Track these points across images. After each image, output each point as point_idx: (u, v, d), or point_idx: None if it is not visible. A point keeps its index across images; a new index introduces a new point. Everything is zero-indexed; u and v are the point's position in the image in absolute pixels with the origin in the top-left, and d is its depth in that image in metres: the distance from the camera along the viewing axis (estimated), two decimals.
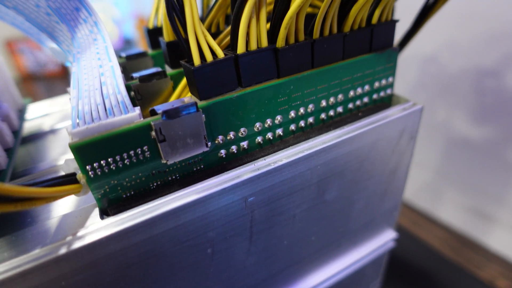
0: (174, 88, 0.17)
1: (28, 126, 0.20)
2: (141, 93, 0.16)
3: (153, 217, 0.12)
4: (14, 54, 1.06)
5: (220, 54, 0.13)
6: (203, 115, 0.13)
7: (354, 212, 0.19)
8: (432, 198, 0.44)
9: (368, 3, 0.14)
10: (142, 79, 0.16)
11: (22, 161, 0.17)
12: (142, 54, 0.19)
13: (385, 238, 0.22)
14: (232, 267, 0.15)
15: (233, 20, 0.13)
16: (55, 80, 1.07)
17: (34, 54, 1.06)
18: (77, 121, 0.12)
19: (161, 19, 0.19)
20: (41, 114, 0.22)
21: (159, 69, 0.16)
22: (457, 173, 0.40)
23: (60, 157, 0.17)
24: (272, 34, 0.14)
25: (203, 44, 0.13)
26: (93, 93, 0.12)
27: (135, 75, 0.16)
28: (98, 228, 0.11)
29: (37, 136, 0.19)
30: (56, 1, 0.15)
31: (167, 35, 0.16)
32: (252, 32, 0.13)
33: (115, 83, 0.12)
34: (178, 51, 0.17)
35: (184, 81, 0.16)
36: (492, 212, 0.38)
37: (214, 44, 0.13)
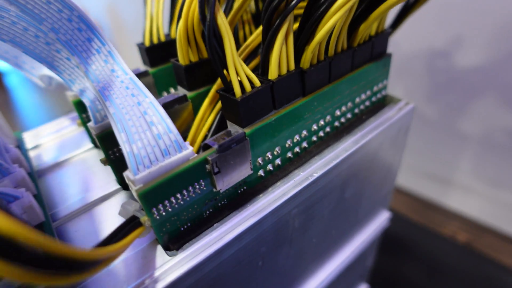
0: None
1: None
2: None
3: (222, 246, 0.12)
4: None
5: (257, 82, 0.14)
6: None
7: (362, 203, 0.21)
8: None
9: (377, 20, 0.16)
10: (166, 106, 0.16)
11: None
12: (144, 74, 0.19)
13: (382, 218, 0.25)
14: (276, 272, 0.17)
15: (265, 48, 0.14)
16: None
17: None
18: (137, 166, 0.12)
19: (153, 35, 0.19)
20: (32, 145, 0.20)
21: (180, 94, 0.16)
22: (415, 145, 0.46)
23: (86, 194, 0.16)
24: (296, 57, 0.15)
25: (243, 76, 0.13)
26: (144, 135, 0.12)
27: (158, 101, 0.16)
28: (171, 266, 0.12)
29: (42, 172, 0.18)
30: (66, 33, 0.14)
31: (183, 59, 0.16)
32: (283, 57, 0.14)
33: (163, 123, 0.12)
34: (196, 73, 0.17)
35: (206, 103, 0.16)
36: (447, 176, 0.44)
37: (250, 73, 0.14)
